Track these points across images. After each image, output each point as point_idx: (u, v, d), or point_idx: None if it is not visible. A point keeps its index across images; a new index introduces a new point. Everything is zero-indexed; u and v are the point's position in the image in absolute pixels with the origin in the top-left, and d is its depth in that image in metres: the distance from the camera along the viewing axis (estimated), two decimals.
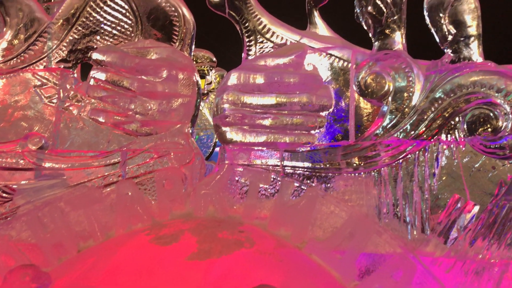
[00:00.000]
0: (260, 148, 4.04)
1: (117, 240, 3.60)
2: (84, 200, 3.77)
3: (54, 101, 4.36)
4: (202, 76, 9.41)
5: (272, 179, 3.92)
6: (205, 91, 9.63)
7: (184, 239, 3.30)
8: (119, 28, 4.47)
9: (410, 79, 3.72)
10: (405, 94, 3.73)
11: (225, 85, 4.07)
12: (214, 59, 9.76)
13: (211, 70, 9.79)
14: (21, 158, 4.05)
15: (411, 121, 3.70)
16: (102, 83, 4.20)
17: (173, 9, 4.43)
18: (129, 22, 4.47)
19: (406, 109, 3.73)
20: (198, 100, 4.38)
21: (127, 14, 4.47)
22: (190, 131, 4.34)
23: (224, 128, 4.06)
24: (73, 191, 3.99)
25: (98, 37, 4.46)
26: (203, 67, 9.69)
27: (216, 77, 9.64)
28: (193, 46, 4.61)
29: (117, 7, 4.47)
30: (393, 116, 3.76)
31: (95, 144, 4.30)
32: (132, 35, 4.47)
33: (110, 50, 4.25)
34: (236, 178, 3.97)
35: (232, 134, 4.05)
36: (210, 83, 9.71)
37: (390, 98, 3.78)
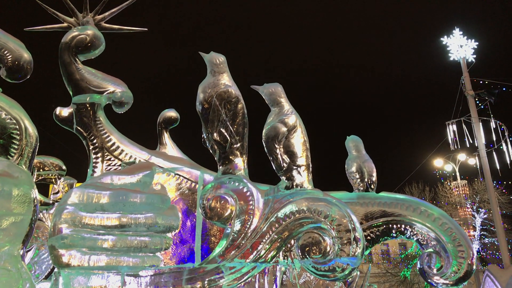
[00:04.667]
0: (100, 272, 3.79)
1: None
2: None
3: None
4: (50, 184, 8.76)
5: None
6: (51, 201, 8.89)
7: None
8: None
9: (251, 203, 3.94)
10: (246, 217, 3.91)
11: (65, 204, 3.85)
12: (64, 167, 9.19)
13: (59, 178, 9.16)
14: None
15: (252, 243, 3.85)
16: None
17: (14, 121, 4.20)
18: None
19: (247, 231, 3.90)
20: (34, 218, 4.03)
21: None
22: (21, 253, 3.91)
23: (60, 251, 3.75)
24: None
25: None
26: (50, 175, 9.02)
27: (65, 186, 9.03)
28: (34, 160, 4.36)
29: None
30: (236, 238, 3.88)
31: None
32: None
33: None
34: None
35: (69, 257, 3.75)
36: (58, 192, 9.03)
37: (233, 221, 3.92)
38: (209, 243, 4.30)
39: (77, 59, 4.66)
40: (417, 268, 4.45)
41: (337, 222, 3.78)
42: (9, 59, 4.36)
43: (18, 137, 4.20)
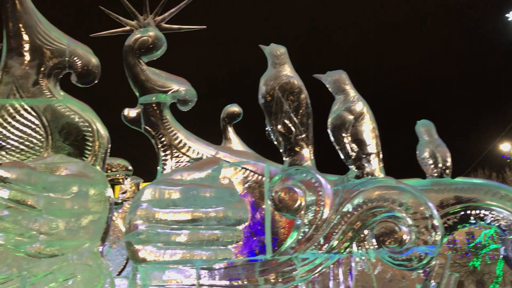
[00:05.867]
0: (175, 266, 3.89)
1: None
2: None
3: None
4: (117, 184, 9.11)
5: None
6: (120, 201, 9.26)
7: None
8: (27, 143, 4.31)
9: (320, 193, 3.89)
10: (316, 208, 3.87)
11: (139, 201, 3.96)
12: (130, 167, 9.53)
13: (126, 178, 9.51)
14: None
15: (324, 234, 3.81)
16: (4, 201, 3.91)
17: (86, 124, 4.39)
18: (39, 137, 4.34)
19: (319, 222, 3.85)
20: (110, 216, 4.20)
21: (37, 129, 4.35)
22: (100, 249, 4.09)
23: (136, 246, 3.87)
24: None
25: (3, 153, 4.25)
26: (118, 175, 9.37)
27: (132, 186, 9.36)
28: (106, 160, 4.54)
29: (26, 122, 4.34)
30: (307, 230, 3.85)
31: None
32: (42, 150, 4.32)
33: (15, 166, 4.02)
34: None
35: (145, 252, 3.86)
36: (125, 192, 9.38)
37: (303, 212, 3.89)
38: (278, 235, 4.29)
39: (141, 61, 4.79)
40: (501, 256, 4.22)
41: (412, 210, 3.66)
42: (79, 64, 4.57)
43: (91, 139, 4.39)
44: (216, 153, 4.59)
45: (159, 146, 4.59)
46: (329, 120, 4.20)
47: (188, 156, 4.56)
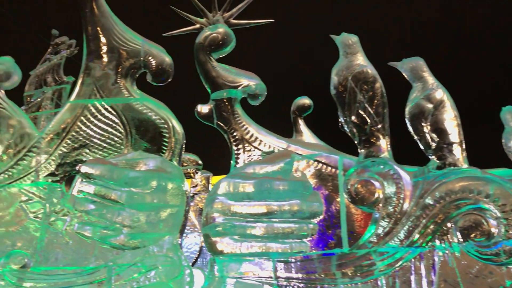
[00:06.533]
0: (252, 258, 3.93)
1: None
2: None
3: (40, 216, 4.26)
4: (188, 178, 9.41)
5: None
6: (191, 194, 9.55)
7: None
8: (108, 141, 4.53)
9: (399, 185, 3.77)
10: (396, 201, 3.75)
11: (214, 194, 4.04)
12: (200, 162, 9.82)
13: (196, 172, 9.80)
14: (1, 279, 3.84)
15: (404, 228, 3.68)
16: (89, 196, 4.14)
17: (162, 121, 4.55)
18: (119, 134, 4.55)
19: (398, 215, 3.74)
20: (187, 209, 4.33)
21: (117, 127, 4.56)
22: (179, 241, 4.23)
23: (214, 239, 3.96)
24: None
25: (87, 150, 4.50)
26: (188, 170, 9.69)
27: (202, 180, 9.64)
28: (182, 156, 4.67)
29: (107, 121, 4.57)
30: (386, 223, 3.74)
31: (80, 260, 4.13)
32: (122, 147, 4.53)
33: (99, 163, 4.25)
34: None
35: (222, 244, 3.94)
36: (196, 185, 9.67)
37: (381, 205, 3.79)
38: (354, 228, 4.21)
39: (211, 58, 4.86)
40: None
41: (501, 201, 3.44)
42: (153, 64, 4.73)
43: (167, 135, 4.54)
44: (288, 146, 4.57)
45: (232, 141, 4.65)
46: (407, 109, 4.04)
47: (260, 149, 4.58)
